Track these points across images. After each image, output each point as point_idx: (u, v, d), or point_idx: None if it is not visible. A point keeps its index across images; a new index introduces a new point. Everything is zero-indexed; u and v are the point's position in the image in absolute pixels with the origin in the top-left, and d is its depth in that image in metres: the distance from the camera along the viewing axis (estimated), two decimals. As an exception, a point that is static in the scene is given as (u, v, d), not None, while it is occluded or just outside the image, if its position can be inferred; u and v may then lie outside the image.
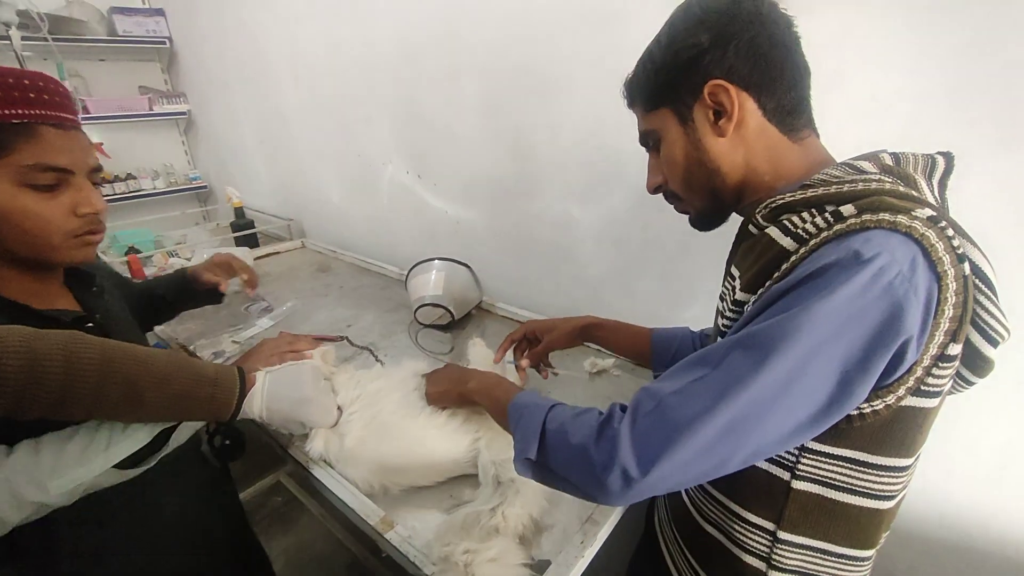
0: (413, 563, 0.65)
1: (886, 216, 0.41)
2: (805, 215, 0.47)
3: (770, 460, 0.52)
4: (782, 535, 0.53)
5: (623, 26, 1.00)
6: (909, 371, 0.43)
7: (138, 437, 0.62)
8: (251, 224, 2.01)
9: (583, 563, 0.66)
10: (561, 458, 0.51)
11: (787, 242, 0.47)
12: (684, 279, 1.11)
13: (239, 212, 1.99)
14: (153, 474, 0.67)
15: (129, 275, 1.62)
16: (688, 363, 0.49)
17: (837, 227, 0.43)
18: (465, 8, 1.23)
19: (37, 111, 0.61)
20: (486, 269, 1.43)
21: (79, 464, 0.58)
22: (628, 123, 1.04)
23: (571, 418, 0.53)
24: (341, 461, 0.78)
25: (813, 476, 0.50)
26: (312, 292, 1.54)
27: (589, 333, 0.94)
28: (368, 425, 0.79)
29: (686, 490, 0.65)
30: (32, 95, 0.60)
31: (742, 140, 0.54)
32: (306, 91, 1.82)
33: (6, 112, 0.59)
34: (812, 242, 0.44)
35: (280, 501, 2.01)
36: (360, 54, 1.55)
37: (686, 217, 1.01)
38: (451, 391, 0.81)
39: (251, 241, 1.96)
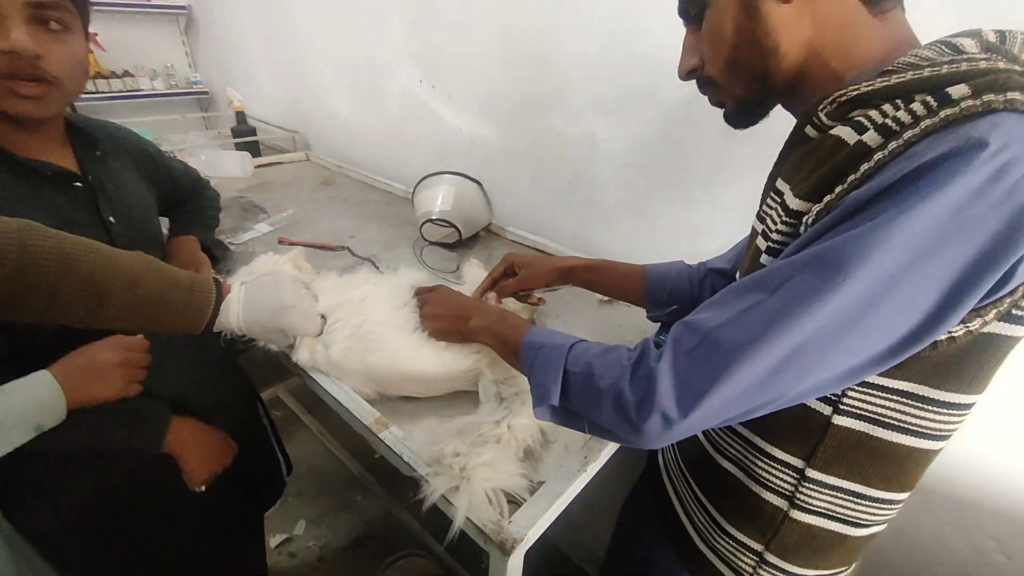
0: (407, 463, 0.62)
1: (1018, 96, 0.32)
2: (888, 108, 0.38)
3: None
4: (811, 473, 0.49)
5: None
6: (1010, 292, 0.36)
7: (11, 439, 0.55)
8: (253, 131, 1.91)
9: (584, 479, 0.63)
10: (589, 402, 0.47)
11: (869, 136, 0.38)
12: (713, 206, 1.02)
13: (240, 117, 1.89)
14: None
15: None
16: (735, 290, 0.43)
17: (946, 112, 0.34)
18: None
19: None
20: (498, 191, 1.34)
21: None
22: (668, 25, 0.94)
23: (597, 357, 0.48)
24: (329, 371, 0.74)
25: (859, 411, 0.45)
26: (314, 203, 1.47)
27: (574, 275, 0.84)
28: (354, 335, 0.74)
29: None
30: None
31: (811, 9, 0.44)
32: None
33: None
34: (907, 133, 0.35)
35: (278, 416, 2.04)
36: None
37: (723, 136, 0.92)
38: (451, 329, 0.74)
39: (252, 149, 1.86)
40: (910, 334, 0.36)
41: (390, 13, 1.45)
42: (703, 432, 0.59)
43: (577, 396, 0.48)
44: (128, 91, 2.25)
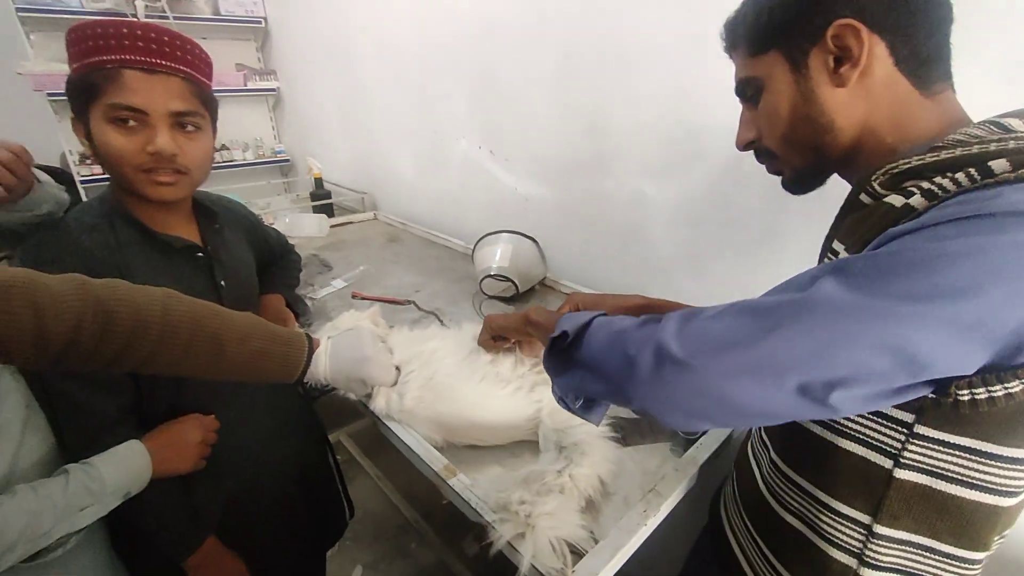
0: (475, 509, 0.66)
1: None
2: (937, 179, 0.40)
3: (868, 446, 0.47)
4: (879, 529, 0.48)
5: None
6: None
7: (57, 529, 0.60)
8: (328, 195, 2.12)
9: (644, 532, 0.65)
10: (596, 345, 0.49)
11: (915, 200, 0.40)
12: (766, 263, 1.05)
13: (318, 183, 2.10)
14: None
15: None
16: (771, 290, 0.44)
17: (985, 181, 0.37)
18: (550, -23, 1.22)
19: (122, 56, 0.67)
20: (552, 246, 1.42)
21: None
22: (712, 95, 1.01)
23: (625, 319, 0.51)
24: (403, 418, 0.81)
25: (921, 465, 0.44)
26: (382, 259, 1.60)
27: (636, 313, 0.87)
28: (425, 385, 0.81)
29: (762, 476, 0.60)
30: (124, 42, 0.67)
31: (865, 92, 0.47)
32: (387, 68, 1.88)
33: (97, 59, 0.67)
34: (947, 198, 0.38)
35: (340, 459, 2.12)
36: (441, 29, 1.58)
37: (773, 195, 0.94)
38: (507, 324, 0.80)
39: (327, 210, 2.06)
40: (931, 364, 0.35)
41: (455, 91, 1.62)
42: (764, 483, 0.59)
43: (589, 342, 0.50)
44: (224, 162, 2.57)
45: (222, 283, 0.84)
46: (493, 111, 1.53)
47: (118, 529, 0.81)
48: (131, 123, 0.69)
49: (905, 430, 0.44)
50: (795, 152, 0.54)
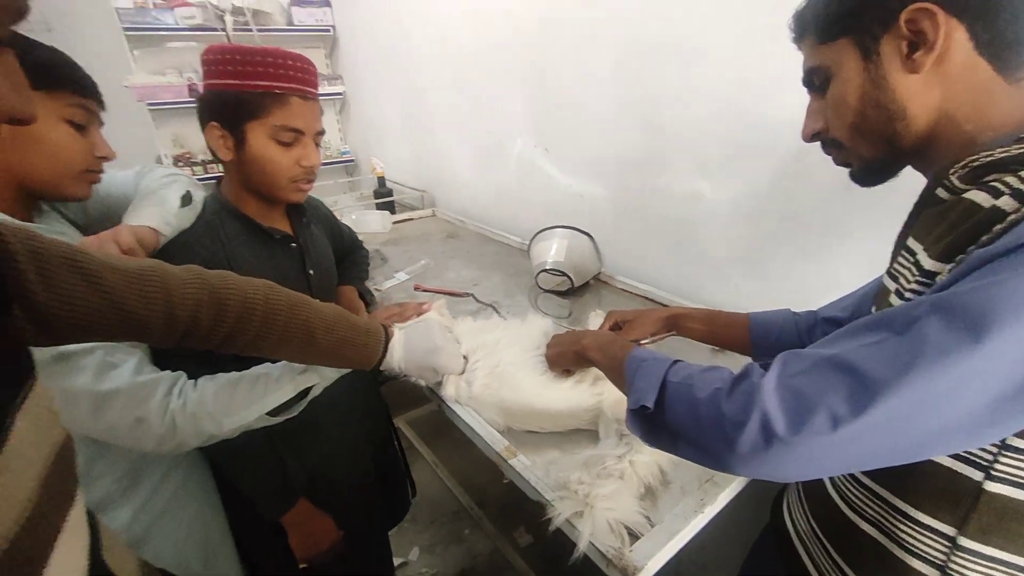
0: (534, 488, 0.70)
1: None
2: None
3: (956, 456, 0.44)
4: (964, 543, 0.45)
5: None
6: None
7: (286, 390, 0.74)
8: (390, 193, 2.23)
9: (700, 521, 0.66)
10: (683, 412, 0.47)
11: (1004, 201, 0.38)
12: (830, 260, 1.02)
13: (381, 181, 2.21)
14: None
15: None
16: (855, 329, 0.42)
17: None
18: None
19: (291, 85, 0.78)
20: (607, 242, 1.43)
21: (244, 407, 0.71)
22: (773, 89, 0.99)
23: (699, 372, 0.49)
24: (470, 404, 0.86)
25: (1015, 479, 0.42)
26: (442, 254, 1.67)
27: (677, 324, 0.87)
28: (491, 373, 0.86)
29: (832, 480, 0.57)
30: (292, 71, 0.78)
31: (941, 78, 0.45)
32: (445, 71, 1.96)
33: (272, 84, 0.77)
34: None
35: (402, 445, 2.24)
36: (498, 32, 1.63)
37: (836, 189, 0.91)
38: (567, 351, 0.82)
39: (389, 207, 2.16)
40: None
41: (511, 91, 1.66)
42: (835, 489, 0.57)
43: (672, 407, 0.48)
44: (295, 163, 2.75)
45: (311, 272, 0.93)
46: (549, 110, 1.56)
47: (227, 496, 0.92)
48: (289, 141, 0.80)
49: (997, 442, 0.42)
50: (864, 142, 0.52)
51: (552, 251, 1.35)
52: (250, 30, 2.27)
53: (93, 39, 2.35)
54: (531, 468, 0.73)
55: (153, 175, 0.88)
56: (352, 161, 3.01)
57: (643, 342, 0.92)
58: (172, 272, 0.56)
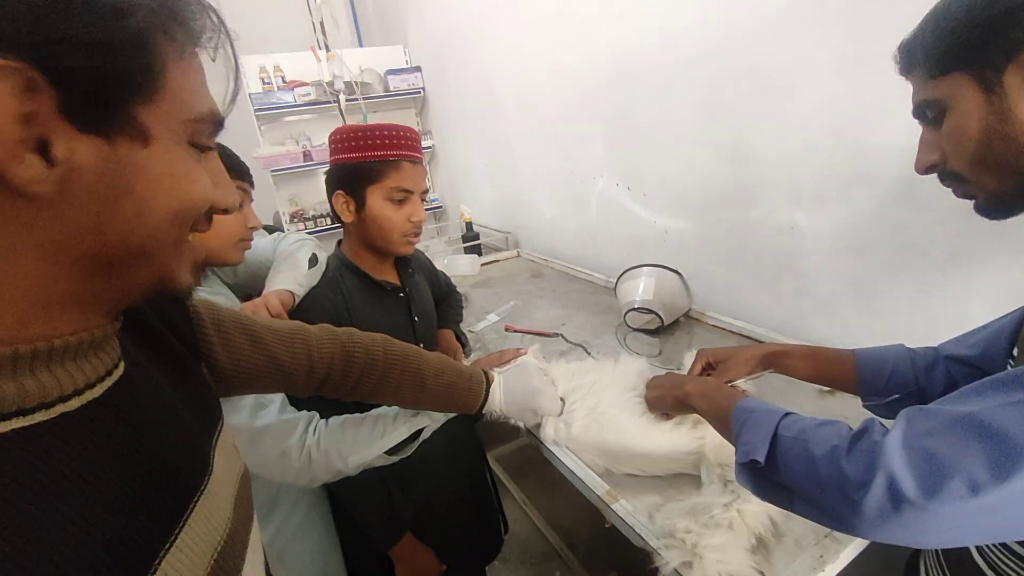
0: (639, 535, 0.70)
1: None
2: None
3: None
4: None
5: (867, 5, 0.91)
6: None
7: (401, 431, 0.80)
8: (477, 236, 2.36)
9: (821, 580, 0.62)
10: (797, 469, 0.46)
11: None
12: (951, 294, 0.93)
13: (468, 226, 2.35)
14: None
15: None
16: (993, 384, 0.40)
17: None
18: (683, 15, 1.27)
19: (404, 152, 0.91)
20: (695, 278, 1.42)
21: (367, 445, 0.77)
22: (875, 116, 0.96)
23: (813, 427, 0.48)
24: (570, 446, 0.88)
25: None
26: (528, 294, 1.73)
27: (774, 361, 0.82)
28: (589, 414, 0.88)
29: (978, 547, 0.53)
30: (402, 141, 0.90)
31: None
32: (527, 117, 2.08)
33: (388, 153, 0.89)
34: None
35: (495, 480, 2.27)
36: (577, 76, 1.71)
37: (958, 216, 0.84)
38: (667, 396, 0.80)
39: (476, 250, 2.29)
40: None
41: (591, 133, 1.73)
42: (983, 558, 0.52)
43: (786, 463, 0.46)
44: (390, 212, 3.02)
45: (416, 318, 1.03)
46: (629, 149, 1.60)
47: (343, 529, 1.01)
48: (401, 200, 0.91)
49: None
50: (990, 174, 0.48)
51: (640, 289, 1.36)
52: (356, 100, 2.57)
53: (233, 122, 2.78)
54: (634, 513, 0.73)
55: (287, 241, 1.04)
56: (440, 208, 3.23)
57: (739, 383, 0.89)
58: (311, 331, 0.66)
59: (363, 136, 0.89)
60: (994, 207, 0.52)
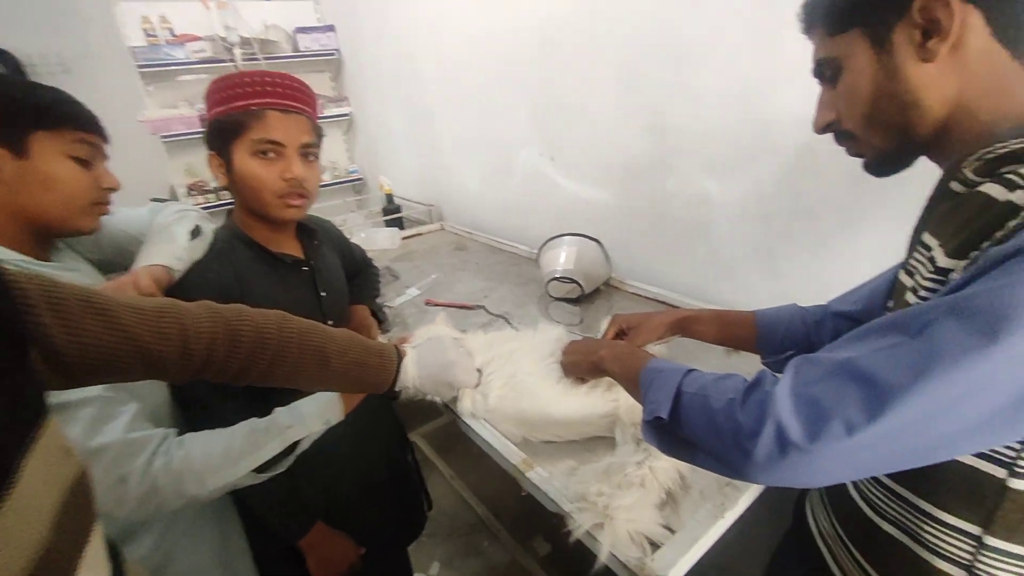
0: (552, 500, 0.69)
1: None
2: None
3: (978, 454, 0.44)
4: (991, 541, 0.44)
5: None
6: None
7: (273, 446, 0.73)
8: (398, 209, 2.25)
9: (721, 526, 0.65)
10: (698, 423, 0.47)
11: (1018, 196, 0.38)
12: (843, 256, 1.01)
13: (389, 198, 2.24)
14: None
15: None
16: (868, 332, 0.42)
17: None
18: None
19: (268, 100, 0.80)
20: (616, 247, 1.43)
21: (230, 465, 0.69)
22: (781, 87, 0.99)
23: (712, 381, 0.49)
24: (487, 417, 0.86)
25: None
26: (451, 267, 1.68)
27: (683, 326, 0.86)
28: (507, 384, 0.85)
29: (855, 483, 0.57)
30: (267, 88, 0.80)
31: (956, 65, 0.44)
32: (449, 86, 1.99)
33: (249, 103, 0.79)
34: None
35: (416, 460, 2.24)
36: (500, 43, 1.65)
37: (847, 183, 0.90)
38: (582, 361, 0.81)
39: (398, 223, 2.19)
40: None
41: (515, 102, 1.68)
42: (857, 491, 0.56)
43: (688, 418, 0.48)
44: (305, 184, 2.81)
45: (323, 293, 0.94)
46: (553, 119, 1.57)
47: (246, 519, 0.93)
48: (271, 155, 0.81)
49: (1021, 438, 0.41)
50: (877, 132, 0.51)
51: (561, 259, 1.35)
52: (257, 59, 2.33)
53: (110, 78, 2.44)
54: (549, 480, 0.73)
55: (164, 212, 0.90)
56: (360, 180, 3.06)
57: (650, 346, 0.91)
58: (186, 309, 0.56)
59: (226, 86, 0.80)
60: (880, 165, 0.54)
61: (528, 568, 1.67)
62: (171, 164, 2.59)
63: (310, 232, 0.98)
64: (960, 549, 0.47)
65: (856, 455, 0.39)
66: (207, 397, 0.80)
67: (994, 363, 0.34)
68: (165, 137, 2.40)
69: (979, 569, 0.46)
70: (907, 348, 0.38)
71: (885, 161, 0.54)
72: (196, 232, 0.86)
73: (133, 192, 0.93)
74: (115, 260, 0.87)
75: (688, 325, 0.86)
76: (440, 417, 2.33)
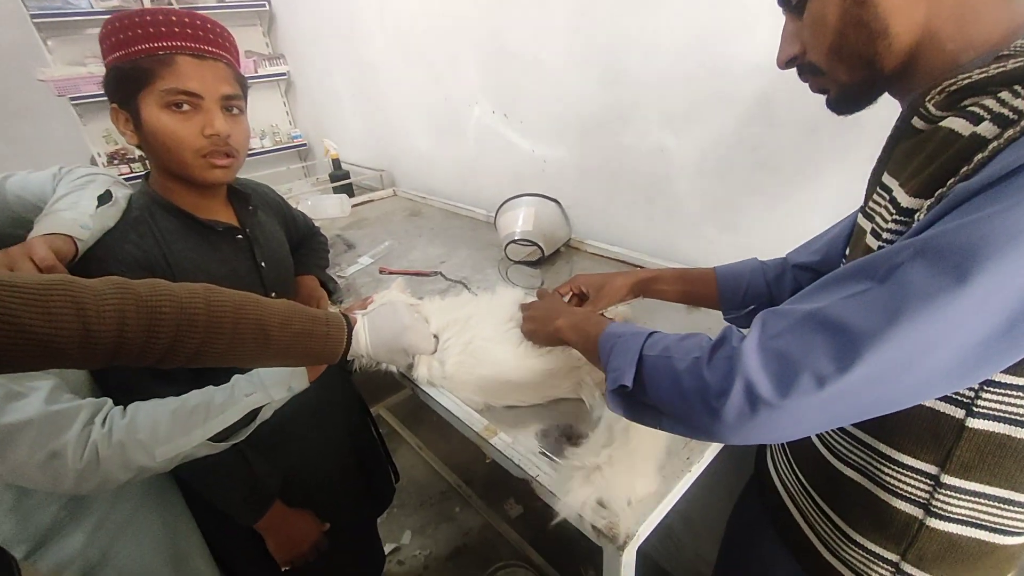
0: (517, 465, 0.67)
1: None
2: (1005, 95, 0.36)
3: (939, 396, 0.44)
4: (948, 480, 0.45)
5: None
6: None
7: (231, 414, 0.68)
8: (346, 175, 2.12)
9: (688, 479, 0.65)
10: (663, 386, 0.46)
11: (984, 128, 0.36)
12: (800, 208, 1.00)
13: (336, 163, 2.10)
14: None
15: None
16: (834, 280, 0.40)
17: None
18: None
19: (179, 43, 0.69)
20: (574, 207, 1.40)
21: (183, 434, 0.64)
22: (736, 28, 0.95)
23: (675, 342, 0.48)
24: (445, 384, 0.82)
25: (996, 413, 0.42)
26: (406, 234, 1.61)
27: (644, 287, 0.85)
28: (464, 350, 0.82)
29: None
30: (175, 28, 0.69)
31: None
32: (393, 40, 1.84)
33: (155, 46, 0.68)
34: None
35: (381, 432, 2.20)
36: (446, -7, 1.53)
37: (804, 133, 0.88)
38: (539, 330, 0.78)
39: (347, 191, 2.06)
40: None
41: (464, 56, 1.58)
42: (819, 439, 0.57)
43: (652, 382, 0.47)
44: (243, 151, 2.60)
45: (262, 264, 0.86)
46: (505, 73, 1.49)
47: (195, 503, 0.87)
48: (185, 108, 0.71)
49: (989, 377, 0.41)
50: (843, 65, 0.48)
51: (520, 221, 1.30)
52: (170, 4, 2.09)
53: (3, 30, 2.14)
54: (513, 445, 0.70)
55: (70, 176, 0.79)
56: (304, 145, 2.86)
57: (612, 309, 0.89)
58: (84, 285, 0.48)
59: (124, 27, 0.68)
60: (844, 101, 0.52)
61: (500, 530, 1.70)
62: (87, 130, 2.33)
63: (243, 196, 0.89)
64: (918, 489, 0.48)
65: (828, 407, 0.38)
66: (135, 383, 0.72)
67: (966, 304, 0.33)
68: (75, 99, 2.15)
69: (935, 507, 0.47)
70: (876, 293, 0.37)
71: (850, 96, 0.51)
72: (106, 198, 0.76)
73: (46, 165, 0.81)
74: (9, 232, 0.75)
75: (650, 285, 0.85)
76: (404, 390, 2.29)
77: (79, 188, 0.76)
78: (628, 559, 0.58)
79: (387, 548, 1.70)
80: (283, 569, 0.90)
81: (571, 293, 0.88)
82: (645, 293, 0.86)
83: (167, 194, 0.78)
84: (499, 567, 1.45)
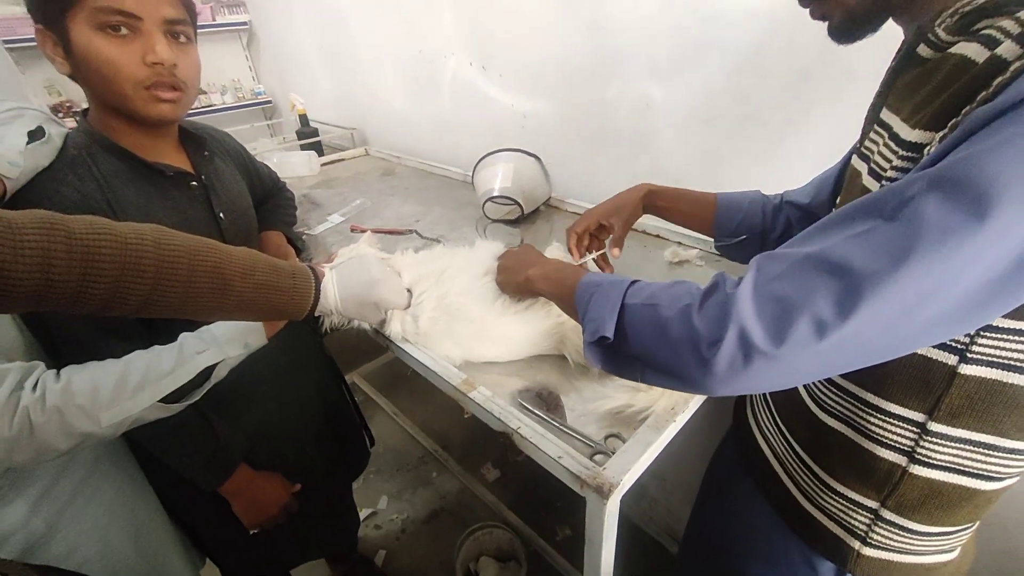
0: (498, 419, 0.64)
1: None
2: (1023, 14, 0.33)
3: None
4: (934, 427, 0.45)
5: None
6: None
7: (181, 373, 0.63)
8: (315, 132, 2.01)
9: (672, 429, 0.63)
10: (648, 335, 0.43)
11: (1004, 49, 0.33)
12: (788, 159, 0.98)
13: (303, 120, 1.99)
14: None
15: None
16: (837, 218, 0.38)
17: None
18: None
19: None
20: (555, 164, 1.35)
21: (128, 397, 0.59)
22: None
23: (663, 289, 0.45)
24: (419, 340, 0.78)
25: (990, 358, 0.40)
26: (379, 193, 1.53)
27: (650, 202, 0.85)
28: (439, 305, 0.77)
29: None
30: None
31: None
32: (363, -16, 1.73)
33: None
34: None
35: (358, 400, 2.17)
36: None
37: (795, 82, 0.86)
38: (510, 281, 0.74)
39: (316, 149, 1.96)
40: None
41: (438, 2, 1.48)
42: (805, 390, 0.55)
43: (636, 332, 0.44)
44: (203, 108, 2.43)
45: (221, 215, 0.80)
46: (481, 20, 1.40)
47: (153, 468, 0.82)
48: (123, 31, 0.62)
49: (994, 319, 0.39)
50: None
51: (498, 177, 1.25)
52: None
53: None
54: (492, 399, 0.67)
55: None
56: (269, 102, 2.70)
57: (589, 259, 0.86)
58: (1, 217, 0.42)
59: None
60: (846, 27, 0.49)
61: (478, 493, 1.70)
62: (25, 79, 2.13)
63: (197, 140, 0.81)
64: (903, 437, 0.47)
65: (824, 356, 0.36)
66: (82, 334, 0.66)
67: (983, 238, 0.31)
68: (10, 43, 1.95)
69: (919, 454, 0.46)
70: (883, 231, 0.34)
71: (852, 22, 0.48)
72: (38, 134, 0.67)
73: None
74: None
75: (654, 200, 0.85)
76: (379, 356, 2.25)
77: (5, 123, 0.67)
78: (612, 508, 0.56)
79: (363, 513, 1.69)
80: (251, 532, 0.87)
81: (588, 232, 0.85)
82: (651, 210, 0.86)
83: (109, 132, 0.70)
84: (476, 528, 1.46)
